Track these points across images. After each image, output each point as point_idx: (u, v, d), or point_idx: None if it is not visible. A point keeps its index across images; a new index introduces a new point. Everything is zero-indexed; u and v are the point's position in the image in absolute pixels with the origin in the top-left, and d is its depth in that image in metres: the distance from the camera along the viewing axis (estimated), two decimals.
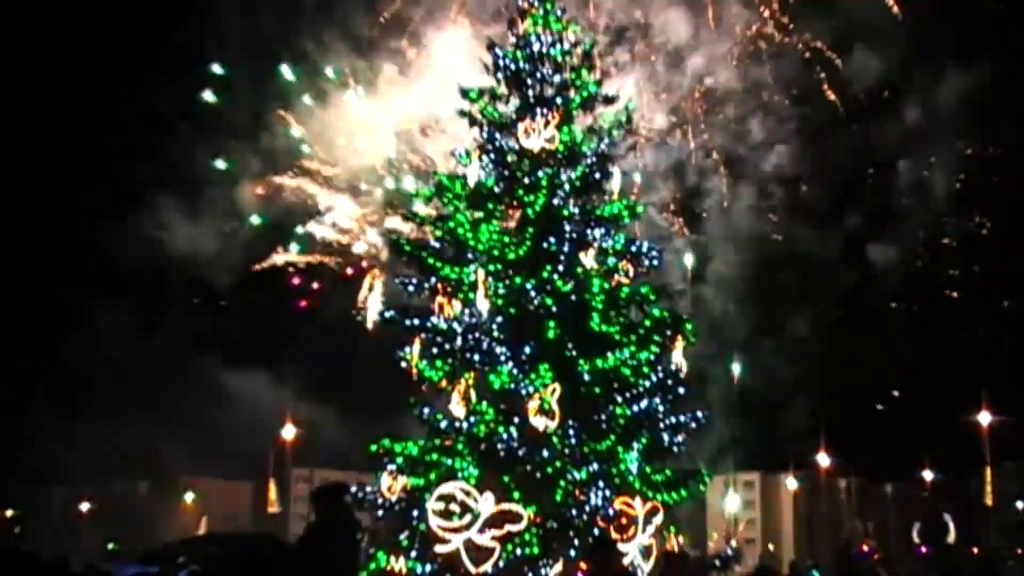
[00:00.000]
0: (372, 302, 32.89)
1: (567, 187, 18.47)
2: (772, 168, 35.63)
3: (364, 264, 34.29)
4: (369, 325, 31.77)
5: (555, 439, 16.69)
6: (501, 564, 16.02)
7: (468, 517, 16.05)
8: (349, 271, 34.71)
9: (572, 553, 16.33)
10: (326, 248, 34.73)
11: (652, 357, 17.74)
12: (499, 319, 17.46)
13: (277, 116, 33.57)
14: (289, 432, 39.51)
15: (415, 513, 16.85)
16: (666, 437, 17.87)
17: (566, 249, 18.01)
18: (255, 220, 34.55)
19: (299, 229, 34.42)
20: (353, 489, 17.24)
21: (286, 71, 34.14)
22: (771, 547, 65.76)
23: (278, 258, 34.68)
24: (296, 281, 35.17)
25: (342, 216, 34.54)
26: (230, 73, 34.08)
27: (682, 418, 18.03)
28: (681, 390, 17.95)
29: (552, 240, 17.97)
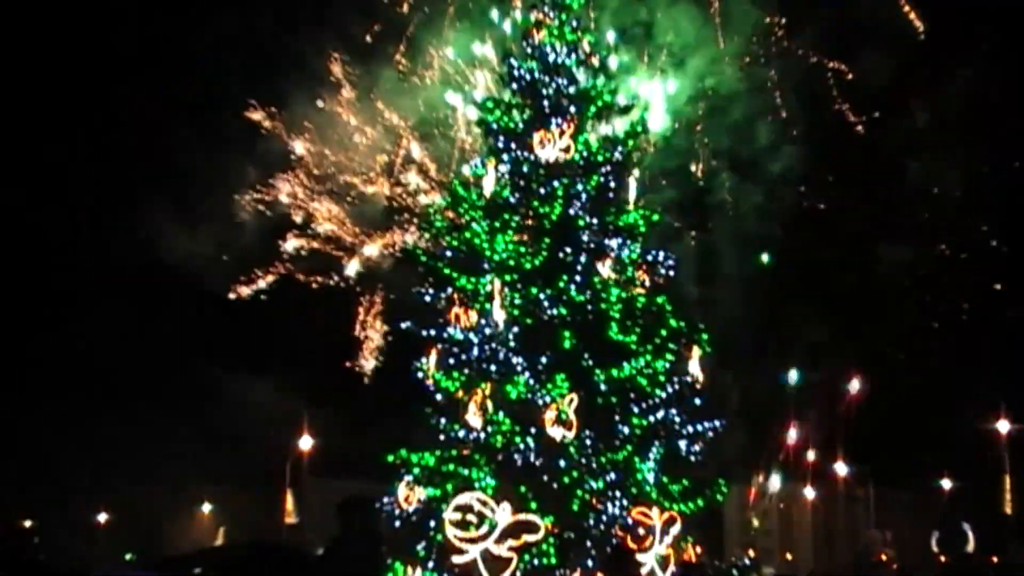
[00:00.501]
0: (373, 327, 32.71)
1: (583, 197, 18.49)
2: (779, 170, 35.42)
3: (355, 280, 34.06)
4: (367, 356, 31.64)
5: (572, 449, 16.70)
6: (518, 574, 16.02)
7: (485, 527, 16.07)
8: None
9: (589, 563, 16.33)
10: (316, 264, 34.55)
11: (668, 367, 17.76)
12: (515, 329, 17.48)
13: (271, 120, 33.32)
14: (306, 443, 39.55)
15: (432, 524, 16.88)
16: (683, 447, 17.88)
17: (582, 259, 18.03)
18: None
19: (291, 243, 34.23)
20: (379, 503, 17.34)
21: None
22: (789, 556, 65.47)
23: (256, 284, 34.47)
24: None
25: (335, 227, 34.32)
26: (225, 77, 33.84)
27: (699, 427, 18.05)
28: (697, 400, 17.97)
29: (568, 250, 17.98)
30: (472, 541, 16.07)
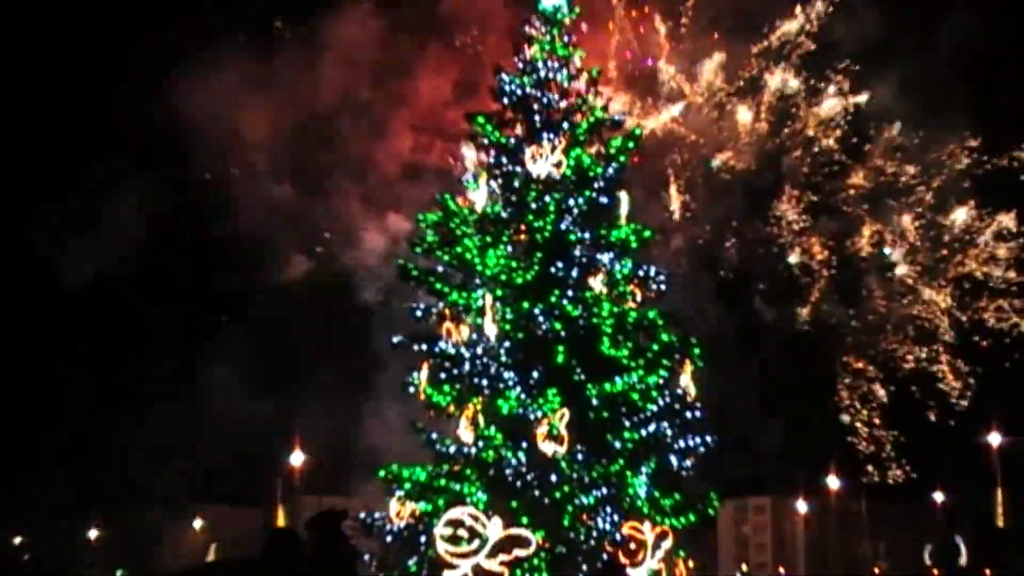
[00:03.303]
0: None
1: (575, 212, 18.50)
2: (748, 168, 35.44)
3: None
4: None
5: (563, 464, 16.69)
6: None
7: (476, 542, 16.04)
8: None
9: None
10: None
11: (660, 381, 17.75)
12: (507, 344, 17.49)
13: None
14: (297, 459, 39.45)
15: (423, 539, 16.84)
16: (675, 461, 17.86)
17: (574, 274, 18.05)
18: None
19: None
20: (362, 515, 17.29)
21: None
22: (782, 570, 65.45)
23: None
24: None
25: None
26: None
27: (691, 442, 18.04)
28: (689, 414, 17.95)
29: (560, 265, 18.00)
30: (463, 556, 16.03)
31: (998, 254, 35.38)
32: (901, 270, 36.41)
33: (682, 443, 17.88)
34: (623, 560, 16.43)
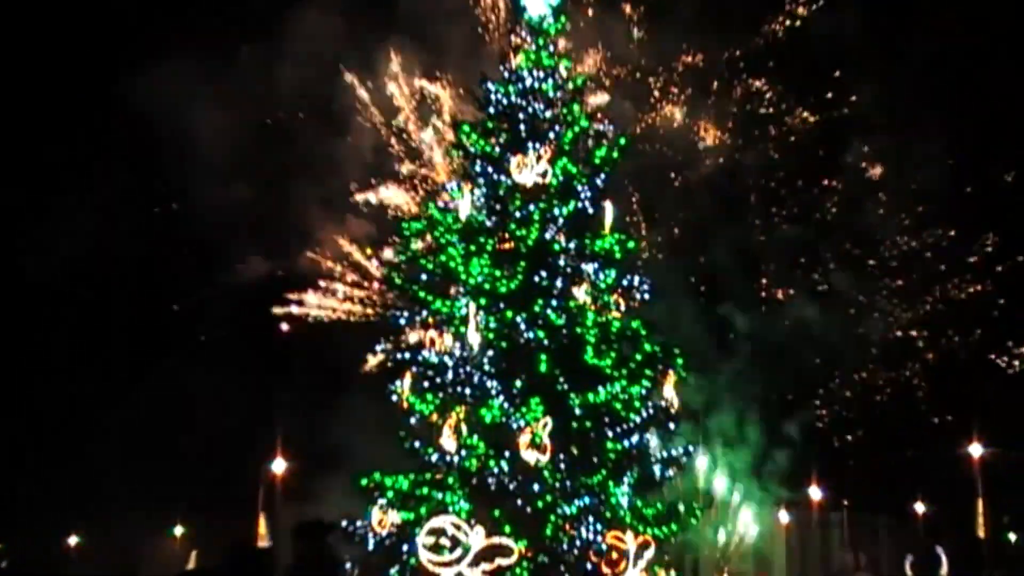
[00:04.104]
0: None
1: (560, 221, 18.51)
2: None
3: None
4: None
5: (546, 473, 16.69)
6: None
7: (459, 551, 16.03)
8: None
9: None
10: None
11: (644, 391, 17.79)
12: (490, 353, 17.48)
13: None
14: (279, 466, 39.27)
15: (405, 547, 16.81)
16: (657, 471, 17.91)
17: (559, 283, 18.04)
18: None
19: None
20: (344, 524, 17.23)
21: None
22: None
23: None
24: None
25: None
26: None
27: (674, 452, 18.09)
28: (672, 425, 18.01)
29: (544, 274, 17.99)
30: (446, 565, 16.03)
31: (973, 277, 35.55)
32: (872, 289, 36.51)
33: (665, 453, 17.96)
34: (605, 570, 16.44)
